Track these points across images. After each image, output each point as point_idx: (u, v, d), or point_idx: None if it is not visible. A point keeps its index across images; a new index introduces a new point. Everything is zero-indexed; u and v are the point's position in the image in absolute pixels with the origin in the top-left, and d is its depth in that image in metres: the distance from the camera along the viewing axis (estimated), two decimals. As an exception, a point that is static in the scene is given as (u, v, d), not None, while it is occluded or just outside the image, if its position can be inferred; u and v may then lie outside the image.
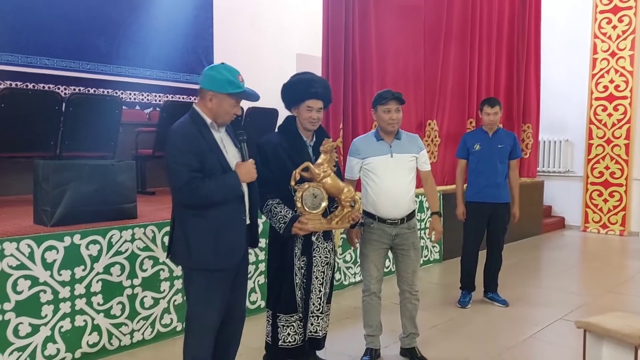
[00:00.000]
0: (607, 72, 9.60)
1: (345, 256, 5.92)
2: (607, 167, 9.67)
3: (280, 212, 3.37)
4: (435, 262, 7.20)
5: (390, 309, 4.69)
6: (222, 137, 3.06)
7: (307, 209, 3.36)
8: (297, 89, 3.50)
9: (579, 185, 10.05)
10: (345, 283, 5.92)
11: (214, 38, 9.59)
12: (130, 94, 8.69)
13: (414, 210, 4.00)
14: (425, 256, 7.04)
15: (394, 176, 3.86)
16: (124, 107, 7.53)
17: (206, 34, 9.54)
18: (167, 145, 2.95)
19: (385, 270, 5.60)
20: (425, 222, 6.83)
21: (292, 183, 3.35)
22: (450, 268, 6.71)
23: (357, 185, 4.01)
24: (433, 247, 7.15)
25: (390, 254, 4.10)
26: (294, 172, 3.35)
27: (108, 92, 8.00)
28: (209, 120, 2.99)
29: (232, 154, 3.06)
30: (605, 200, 9.73)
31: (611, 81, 9.55)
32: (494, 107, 5.32)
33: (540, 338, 4.61)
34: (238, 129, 3.19)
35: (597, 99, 9.69)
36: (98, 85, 8.23)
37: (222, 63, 3.05)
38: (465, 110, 7.91)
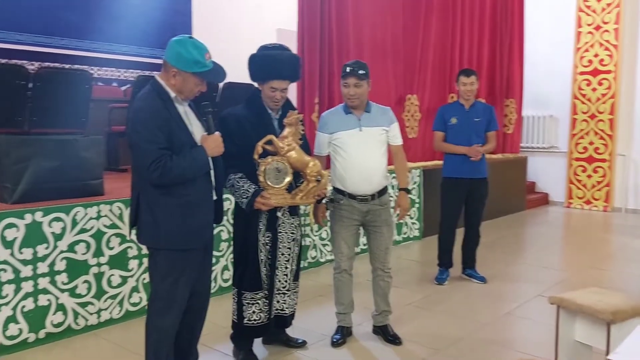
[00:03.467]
0: (592, 46, 9.49)
1: (321, 233, 5.82)
2: (591, 143, 9.60)
3: (243, 186, 3.28)
4: (415, 239, 7.13)
5: (365, 287, 4.59)
6: (185, 111, 2.95)
7: (270, 184, 3.27)
8: (263, 67, 3.39)
9: (563, 161, 9.99)
10: (322, 261, 5.83)
11: (192, 13, 9.39)
12: (106, 70, 8.51)
13: (386, 187, 3.90)
14: (405, 233, 6.96)
15: (363, 150, 3.75)
16: (100, 83, 7.39)
17: (184, 9, 9.33)
18: (132, 121, 2.82)
19: (364, 247, 5.58)
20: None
21: (255, 157, 3.25)
22: (430, 245, 6.62)
23: (327, 161, 3.91)
24: (413, 224, 7.07)
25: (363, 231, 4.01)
26: (256, 145, 3.25)
27: (83, 68, 7.83)
28: (172, 94, 2.87)
29: (196, 128, 2.96)
30: (589, 176, 9.68)
31: (596, 55, 9.44)
32: (470, 77, 5.19)
33: (517, 314, 4.56)
34: (204, 100, 3.06)
35: (581, 73, 9.60)
36: (73, 61, 8.02)
37: (191, 37, 2.90)
38: (446, 84, 7.81)
